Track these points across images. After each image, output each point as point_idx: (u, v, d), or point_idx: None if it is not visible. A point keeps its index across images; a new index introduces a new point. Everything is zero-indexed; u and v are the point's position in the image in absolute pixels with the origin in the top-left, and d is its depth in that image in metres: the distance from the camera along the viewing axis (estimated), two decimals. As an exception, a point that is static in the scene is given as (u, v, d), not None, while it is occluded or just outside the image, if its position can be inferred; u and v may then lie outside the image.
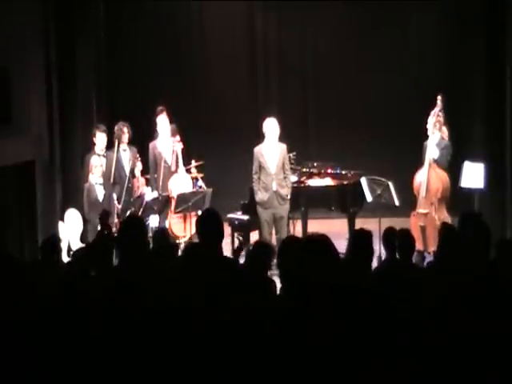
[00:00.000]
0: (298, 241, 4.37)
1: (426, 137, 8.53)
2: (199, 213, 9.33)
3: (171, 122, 9.25)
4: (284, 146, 8.63)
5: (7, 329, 3.72)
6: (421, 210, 8.42)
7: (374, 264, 5.55)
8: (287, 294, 4.02)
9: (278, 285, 4.54)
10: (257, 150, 8.59)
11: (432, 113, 8.37)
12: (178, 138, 9.18)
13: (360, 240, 4.90)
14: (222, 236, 4.61)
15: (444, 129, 8.54)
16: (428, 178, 8.35)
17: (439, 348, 3.48)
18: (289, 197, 8.53)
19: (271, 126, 8.54)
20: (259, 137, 8.83)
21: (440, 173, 8.39)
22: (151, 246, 6.26)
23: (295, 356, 3.22)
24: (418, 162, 8.56)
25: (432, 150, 8.35)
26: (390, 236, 5.76)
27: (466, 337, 3.57)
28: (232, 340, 3.47)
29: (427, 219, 8.35)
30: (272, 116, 8.68)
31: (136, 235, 4.37)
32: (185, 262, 4.46)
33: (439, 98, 8.36)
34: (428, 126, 8.46)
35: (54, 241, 5.91)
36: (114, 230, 7.69)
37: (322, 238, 3.55)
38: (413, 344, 3.47)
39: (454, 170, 8.69)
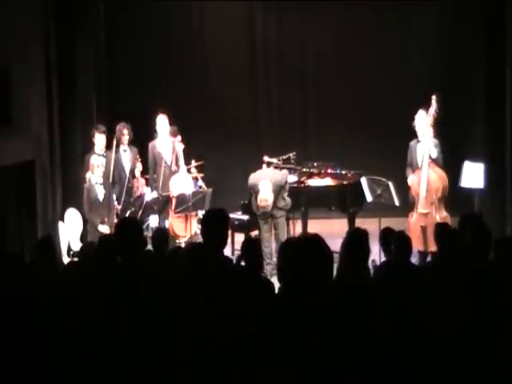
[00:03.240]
0: (297, 242, 4.36)
1: (412, 137, 8.56)
2: (199, 212, 9.35)
3: (171, 122, 9.24)
4: (279, 178, 8.46)
5: (7, 329, 3.73)
6: (421, 209, 8.41)
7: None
8: (286, 293, 4.02)
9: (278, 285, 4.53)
10: (253, 180, 8.46)
11: (428, 112, 8.36)
12: (179, 138, 9.17)
13: (355, 240, 4.87)
14: (225, 238, 4.58)
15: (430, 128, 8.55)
16: (428, 178, 8.35)
17: (437, 347, 3.48)
18: (288, 201, 8.51)
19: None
20: (259, 137, 8.84)
21: (439, 172, 8.38)
22: (150, 245, 6.28)
23: (295, 356, 3.23)
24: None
25: (431, 149, 8.35)
26: (387, 237, 5.76)
27: (464, 337, 3.58)
28: (232, 339, 3.48)
29: (427, 219, 8.35)
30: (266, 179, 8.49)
31: (132, 235, 4.37)
32: (186, 262, 4.46)
33: (434, 97, 8.34)
34: (417, 128, 8.47)
35: (49, 241, 5.85)
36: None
37: (314, 237, 3.54)
38: (411, 343, 3.47)
39: (453, 170, 8.69)
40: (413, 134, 8.65)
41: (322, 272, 3.39)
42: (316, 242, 3.37)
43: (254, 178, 8.49)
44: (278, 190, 8.40)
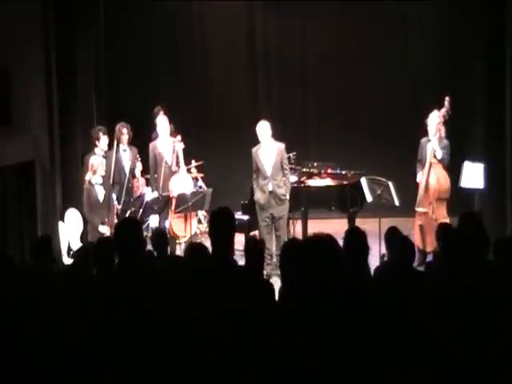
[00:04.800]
0: (300, 243, 4.36)
1: (422, 136, 8.57)
2: (199, 213, 9.34)
3: (171, 122, 9.25)
4: (282, 146, 8.55)
5: (6, 331, 3.73)
6: (419, 208, 8.44)
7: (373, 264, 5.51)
8: (288, 294, 4.03)
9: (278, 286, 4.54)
10: (254, 150, 8.54)
11: (439, 113, 8.38)
12: (179, 137, 9.18)
13: (354, 239, 4.86)
14: (230, 238, 4.56)
15: (442, 128, 8.56)
16: (427, 178, 8.36)
17: (437, 348, 3.48)
18: (287, 196, 8.48)
19: (262, 129, 8.46)
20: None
21: (440, 173, 8.39)
22: (151, 245, 6.28)
23: (297, 357, 3.23)
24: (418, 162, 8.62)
25: (436, 150, 8.37)
26: (392, 237, 5.72)
27: (465, 337, 3.58)
28: (233, 340, 3.48)
29: (425, 218, 8.37)
30: (265, 119, 8.59)
31: (132, 236, 4.37)
32: (188, 263, 4.46)
33: (447, 98, 8.36)
34: (429, 127, 8.48)
35: (45, 242, 5.77)
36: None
37: (326, 237, 3.53)
38: (411, 343, 3.47)
39: (454, 170, 8.69)
40: (412, 134, 8.65)
41: (322, 273, 3.39)
42: (319, 244, 3.36)
43: (255, 148, 8.52)
44: (279, 160, 8.41)
